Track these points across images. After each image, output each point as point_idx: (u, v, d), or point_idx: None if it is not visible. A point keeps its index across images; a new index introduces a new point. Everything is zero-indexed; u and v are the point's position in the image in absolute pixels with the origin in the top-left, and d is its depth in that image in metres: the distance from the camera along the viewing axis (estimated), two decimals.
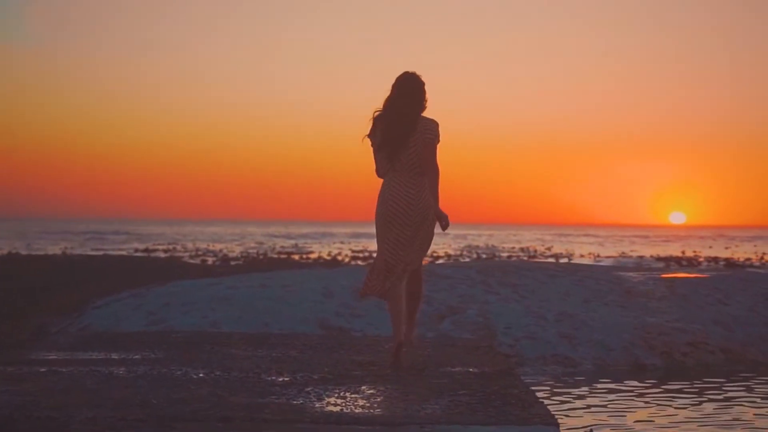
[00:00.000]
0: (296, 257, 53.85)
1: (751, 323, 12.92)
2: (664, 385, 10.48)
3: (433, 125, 7.64)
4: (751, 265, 50.47)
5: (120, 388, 6.75)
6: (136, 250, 61.98)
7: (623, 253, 66.57)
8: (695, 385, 10.43)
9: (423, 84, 7.68)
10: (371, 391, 6.80)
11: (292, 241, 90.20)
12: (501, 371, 7.85)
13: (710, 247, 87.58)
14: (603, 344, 11.82)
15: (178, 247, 67.96)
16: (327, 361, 8.27)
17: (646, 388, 10.31)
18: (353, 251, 67.23)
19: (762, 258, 60.75)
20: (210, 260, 48.00)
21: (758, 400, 9.77)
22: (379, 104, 7.71)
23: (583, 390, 10.11)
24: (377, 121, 7.68)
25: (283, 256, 56.28)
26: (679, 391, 10.12)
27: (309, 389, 6.84)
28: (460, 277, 13.86)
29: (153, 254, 55.46)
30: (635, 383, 10.53)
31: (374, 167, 7.79)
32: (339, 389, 6.86)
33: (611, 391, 10.05)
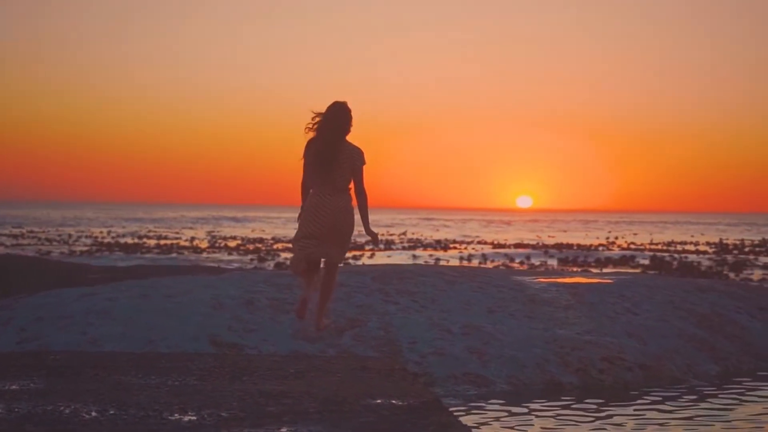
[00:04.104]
0: (151, 243, 52.66)
1: (664, 335, 12.44)
2: (586, 407, 9.81)
3: (359, 153, 8.80)
4: (606, 248, 51.61)
5: None
6: None
7: (479, 236, 66.93)
8: (621, 408, 9.81)
9: (350, 111, 8.76)
10: None
11: (138, 224, 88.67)
12: (428, 403, 7.19)
13: (564, 231, 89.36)
14: (515, 360, 11.10)
15: (24, 232, 66.10)
16: (232, 392, 7.44)
17: (570, 414, 9.58)
18: (209, 233, 66.23)
19: (613, 242, 62.47)
20: (55, 250, 46.55)
21: (683, 424, 9.18)
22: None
23: (506, 417, 9.35)
24: (310, 143, 8.81)
25: (136, 240, 55.04)
26: (604, 415, 9.48)
27: None
28: (355, 285, 13.04)
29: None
30: (557, 408, 9.81)
31: (301, 179, 8.99)
32: None
33: (535, 417, 9.36)
